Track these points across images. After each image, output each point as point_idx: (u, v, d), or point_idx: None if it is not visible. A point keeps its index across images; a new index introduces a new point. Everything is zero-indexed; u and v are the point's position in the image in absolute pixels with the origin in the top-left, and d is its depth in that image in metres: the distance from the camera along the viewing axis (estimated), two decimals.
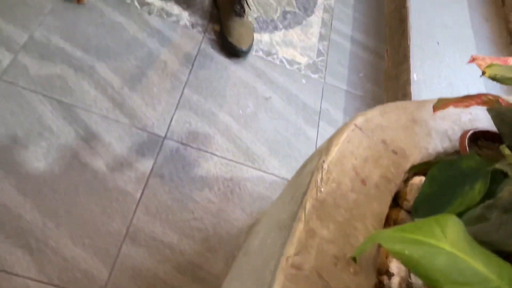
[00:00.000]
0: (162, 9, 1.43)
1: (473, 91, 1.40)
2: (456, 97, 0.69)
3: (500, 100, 0.68)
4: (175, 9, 1.45)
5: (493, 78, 0.70)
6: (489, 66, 0.73)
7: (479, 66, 0.75)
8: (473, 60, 0.75)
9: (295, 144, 1.30)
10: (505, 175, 0.46)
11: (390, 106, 0.77)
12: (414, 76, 1.40)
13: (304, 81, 1.47)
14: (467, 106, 0.62)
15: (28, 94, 1.11)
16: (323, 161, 0.66)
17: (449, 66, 1.48)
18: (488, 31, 1.70)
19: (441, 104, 0.65)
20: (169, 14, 1.43)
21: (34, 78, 1.14)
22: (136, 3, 1.41)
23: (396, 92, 1.47)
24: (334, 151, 0.68)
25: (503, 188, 0.40)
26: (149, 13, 1.40)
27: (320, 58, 1.55)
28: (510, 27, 1.77)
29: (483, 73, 0.71)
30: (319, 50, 1.57)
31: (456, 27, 1.64)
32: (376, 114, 0.74)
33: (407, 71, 1.44)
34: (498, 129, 0.52)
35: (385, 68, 1.63)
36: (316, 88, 1.46)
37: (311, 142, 1.33)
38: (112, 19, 1.34)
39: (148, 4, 1.42)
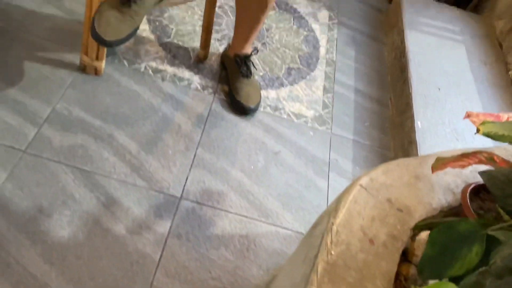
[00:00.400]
0: (174, 75, 1.52)
1: (477, 136, 1.43)
2: (453, 155, 0.73)
3: (495, 158, 0.72)
4: (186, 74, 1.54)
5: (487, 135, 0.74)
6: (483, 123, 0.77)
7: (473, 123, 0.79)
8: (467, 116, 0.80)
9: (306, 196, 1.34)
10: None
11: (393, 164, 0.81)
12: (418, 123, 1.44)
13: (311, 133, 1.52)
14: (463, 167, 0.66)
15: (52, 165, 1.18)
16: (332, 223, 0.70)
17: (452, 111, 1.53)
18: (488, 74, 1.76)
19: (439, 164, 0.69)
20: (180, 79, 1.52)
21: (57, 149, 1.22)
22: (150, 71, 1.50)
23: (402, 140, 1.51)
24: (342, 212, 0.72)
25: (495, 255, 0.44)
26: (162, 80, 1.49)
27: (326, 110, 1.61)
28: (510, 68, 1.83)
29: (478, 130, 0.75)
30: (324, 103, 1.64)
31: (456, 73, 1.70)
32: (379, 173, 0.79)
33: (411, 118, 1.49)
34: (491, 191, 0.56)
35: (390, 116, 1.68)
36: (323, 139, 1.52)
37: (323, 193, 1.37)
38: (128, 88, 1.43)
39: (161, 71, 1.52)
